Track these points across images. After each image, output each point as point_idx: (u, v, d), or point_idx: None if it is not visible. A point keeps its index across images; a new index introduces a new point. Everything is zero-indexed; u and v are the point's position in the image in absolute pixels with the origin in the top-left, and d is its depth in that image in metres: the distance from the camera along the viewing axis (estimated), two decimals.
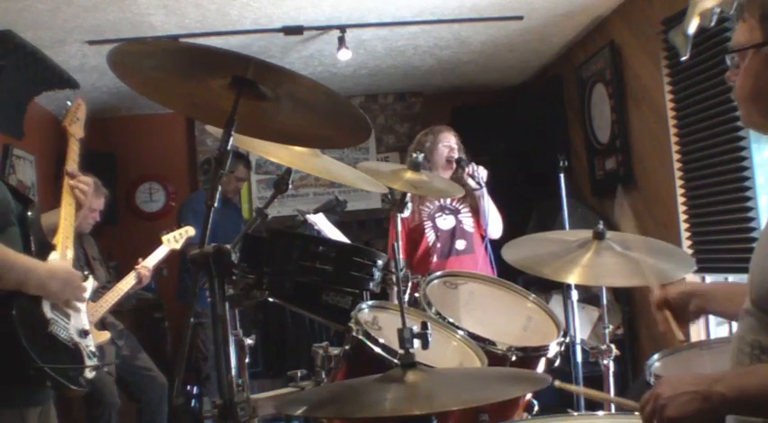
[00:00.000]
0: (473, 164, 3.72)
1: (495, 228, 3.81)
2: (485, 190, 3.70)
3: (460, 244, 3.82)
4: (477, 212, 3.81)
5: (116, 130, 6.18)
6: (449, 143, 3.91)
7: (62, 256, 2.20)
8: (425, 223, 3.86)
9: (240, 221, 5.35)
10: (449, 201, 3.85)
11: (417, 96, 6.41)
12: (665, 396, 1.27)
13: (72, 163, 2.37)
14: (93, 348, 2.21)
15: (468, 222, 3.86)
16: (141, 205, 6.31)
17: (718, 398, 1.23)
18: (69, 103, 2.56)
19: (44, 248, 2.15)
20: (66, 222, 2.24)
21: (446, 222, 3.84)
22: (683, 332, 1.73)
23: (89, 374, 2.15)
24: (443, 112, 6.23)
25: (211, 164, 1.54)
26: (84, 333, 2.19)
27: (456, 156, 3.83)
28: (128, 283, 3.89)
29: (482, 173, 3.70)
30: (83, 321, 2.21)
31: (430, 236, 3.85)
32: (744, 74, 1.36)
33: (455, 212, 3.87)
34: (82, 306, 2.24)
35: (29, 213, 2.10)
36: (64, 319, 2.11)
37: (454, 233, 3.83)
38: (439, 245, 3.82)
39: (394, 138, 6.39)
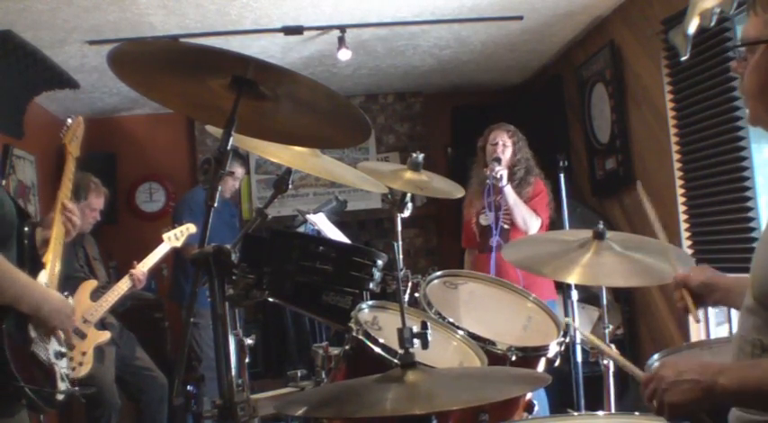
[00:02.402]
0: (495, 162, 3.87)
1: (525, 224, 3.88)
2: (506, 188, 3.85)
3: (494, 241, 3.91)
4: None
5: (116, 130, 6.18)
6: (495, 141, 4.01)
7: (50, 274, 2.23)
8: (472, 219, 4.05)
9: (235, 220, 5.34)
10: (497, 197, 3.94)
11: (417, 96, 6.41)
12: (668, 381, 1.29)
13: (65, 191, 2.43)
14: (66, 371, 2.23)
15: (507, 219, 3.95)
16: (141, 205, 6.30)
17: (719, 389, 1.24)
18: (70, 120, 2.58)
19: (36, 266, 2.18)
20: (56, 241, 2.32)
21: (487, 218, 3.96)
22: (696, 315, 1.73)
23: (60, 396, 2.17)
24: (443, 111, 6.23)
25: (211, 164, 1.53)
26: (60, 355, 2.21)
27: (499, 155, 3.94)
28: (122, 286, 3.89)
29: (498, 173, 3.83)
30: (60, 344, 2.23)
31: (475, 231, 4.04)
32: (752, 69, 1.35)
33: (498, 209, 3.95)
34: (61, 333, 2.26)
35: (25, 229, 2.12)
36: (44, 340, 2.13)
37: (492, 230, 3.92)
38: (479, 240, 3.99)
39: (394, 138, 6.39)
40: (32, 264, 2.14)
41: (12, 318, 1.97)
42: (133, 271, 3.93)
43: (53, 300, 2.10)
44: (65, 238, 2.36)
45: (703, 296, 1.71)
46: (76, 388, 2.33)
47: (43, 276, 2.21)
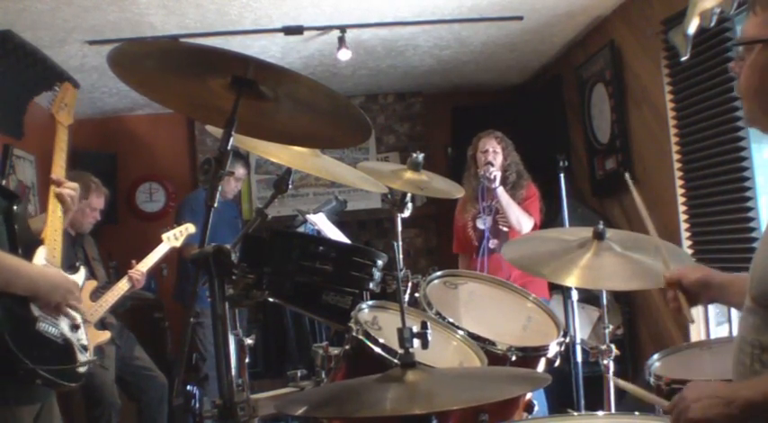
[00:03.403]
0: (489, 166, 3.93)
1: (519, 224, 3.93)
2: (499, 190, 3.91)
3: (492, 243, 3.99)
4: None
5: (116, 130, 6.18)
6: (485, 148, 4.07)
7: (50, 249, 2.17)
8: (468, 223, 4.11)
9: (237, 221, 5.34)
10: (492, 201, 4.02)
11: (417, 96, 6.41)
12: (690, 399, 1.30)
13: (59, 162, 2.34)
14: (85, 341, 2.19)
15: (504, 222, 4.01)
16: (141, 205, 6.30)
17: (742, 402, 1.24)
18: (57, 88, 2.50)
19: (30, 243, 2.13)
20: (54, 215, 2.21)
21: (484, 222, 4.03)
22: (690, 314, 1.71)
23: (82, 368, 2.13)
24: (443, 112, 6.23)
25: (211, 164, 1.53)
26: (74, 327, 2.16)
27: (491, 161, 3.99)
28: (122, 287, 3.89)
29: (491, 173, 3.89)
30: (74, 315, 2.19)
31: (471, 235, 4.09)
32: (750, 68, 1.34)
33: (494, 213, 4.02)
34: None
35: (14, 208, 2.08)
36: (53, 316, 2.09)
37: (489, 233, 4.00)
38: (476, 244, 4.04)
39: (394, 138, 6.39)
40: (26, 241, 2.11)
41: (7, 302, 1.95)
42: (131, 272, 3.92)
43: (50, 277, 2.06)
44: (64, 215, 2.26)
45: (698, 294, 1.69)
46: (96, 358, 2.27)
47: (42, 252, 2.15)
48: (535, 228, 3.99)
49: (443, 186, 2.92)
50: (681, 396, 1.33)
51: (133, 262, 3.98)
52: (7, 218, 2.06)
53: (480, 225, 4.04)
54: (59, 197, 2.25)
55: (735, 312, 2.57)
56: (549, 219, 4.14)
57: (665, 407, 1.39)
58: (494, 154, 4.03)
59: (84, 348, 2.18)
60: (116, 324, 4.18)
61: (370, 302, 2.01)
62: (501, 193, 3.92)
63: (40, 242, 2.17)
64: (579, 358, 3.47)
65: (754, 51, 1.33)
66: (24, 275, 1.98)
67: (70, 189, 2.27)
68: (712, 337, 3.73)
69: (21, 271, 1.98)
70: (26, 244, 2.10)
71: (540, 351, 2.22)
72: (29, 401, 2.00)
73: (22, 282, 1.96)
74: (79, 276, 2.40)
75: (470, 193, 4.05)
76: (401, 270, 2.28)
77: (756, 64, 1.33)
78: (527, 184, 4.08)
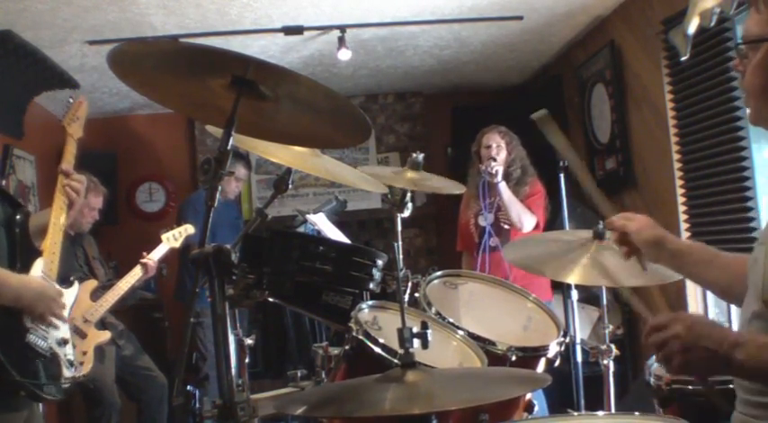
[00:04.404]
0: (491, 161, 3.88)
1: (520, 221, 3.89)
2: (501, 185, 3.85)
3: (493, 241, 3.94)
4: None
5: (116, 130, 6.18)
6: (488, 144, 4.02)
7: (48, 262, 2.18)
8: (470, 220, 4.08)
9: (239, 221, 5.35)
10: (494, 198, 3.97)
11: (417, 96, 6.41)
12: (685, 342, 1.25)
13: (67, 163, 2.34)
14: (71, 357, 2.19)
15: (506, 220, 3.95)
16: (141, 205, 6.30)
17: (735, 363, 1.22)
18: (71, 100, 2.52)
19: (30, 254, 2.14)
20: (55, 227, 2.20)
21: (485, 219, 3.98)
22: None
23: (66, 384, 2.14)
24: (443, 112, 6.23)
25: (211, 164, 1.53)
26: (63, 342, 2.16)
27: (494, 157, 3.95)
28: (134, 275, 3.90)
29: (493, 168, 3.84)
30: (63, 330, 2.19)
31: (473, 232, 4.06)
32: (755, 68, 1.32)
33: (497, 210, 3.97)
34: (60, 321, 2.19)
35: (17, 217, 2.08)
36: (43, 328, 2.09)
37: (490, 230, 3.95)
38: (476, 241, 4.01)
39: (394, 138, 6.39)
40: (25, 252, 2.11)
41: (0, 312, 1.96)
42: (144, 260, 3.94)
43: (33, 286, 2.06)
44: (68, 210, 2.22)
45: (646, 253, 1.69)
46: (82, 375, 2.28)
47: (39, 264, 2.15)
48: (538, 226, 3.93)
49: (443, 183, 2.91)
50: (673, 331, 1.26)
51: (144, 253, 4.00)
52: (9, 227, 2.06)
53: (482, 222, 3.99)
54: (65, 188, 2.22)
55: (735, 312, 2.57)
56: (549, 218, 4.13)
57: (651, 323, 1.30)
58: (497, 149, 3.96)
59: (71, 364, 2.17)
60: (117, 325, 4.17)
61: (370, 302, 2.01)
62: (503, 188, 3.85)
63: (39, 253, 2.17)
64: (579, 358, 3.47)
65: (761, 50, 1.31)
66: (8, 286, 1.98)
67: (77, 181, 2.25)
68: None
69: (4, 281, 1.98)
70: (26, 255, 2.10)
71: (540, 351, 2.22)
72: (17, 408, 2.01)
73: (6, 292, 1.96)
74: (72, 291, 2.40)
75: (473, 189, 4.01)
76: (401, 270, 2.28)
77: (763, 63, 1.31)
78: (532, 180, 4.01)
